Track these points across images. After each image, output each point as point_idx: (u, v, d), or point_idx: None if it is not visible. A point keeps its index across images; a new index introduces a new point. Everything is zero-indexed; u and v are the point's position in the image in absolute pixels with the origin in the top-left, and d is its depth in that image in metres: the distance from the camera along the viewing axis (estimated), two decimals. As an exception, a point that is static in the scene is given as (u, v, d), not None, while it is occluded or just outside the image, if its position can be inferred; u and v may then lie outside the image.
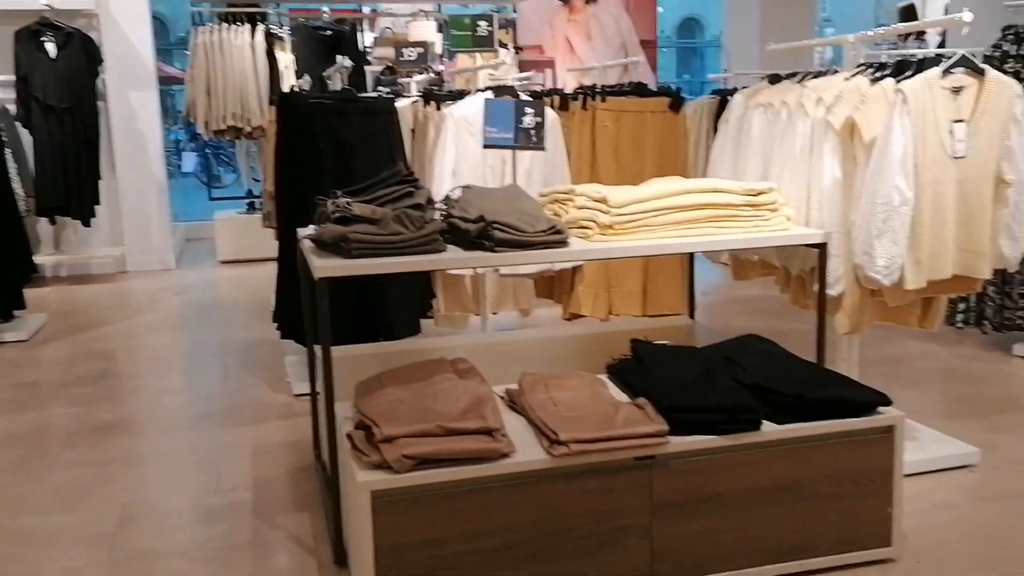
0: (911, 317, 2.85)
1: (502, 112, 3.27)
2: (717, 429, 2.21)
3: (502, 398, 2.48)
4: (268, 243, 4.80)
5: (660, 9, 10.64)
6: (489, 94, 3.72)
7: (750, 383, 2.37)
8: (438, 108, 3.96)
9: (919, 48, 6.58)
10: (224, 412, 3.84)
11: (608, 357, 2.76)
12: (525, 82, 5.38)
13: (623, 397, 2.46)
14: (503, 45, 6.94)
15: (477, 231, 2.39)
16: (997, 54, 4.07)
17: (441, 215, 2.53)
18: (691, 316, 3.45)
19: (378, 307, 3.77)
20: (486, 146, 3.34)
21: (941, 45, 8.74)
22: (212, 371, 4.59)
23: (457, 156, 3.69)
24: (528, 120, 3.27)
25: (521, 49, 8.63)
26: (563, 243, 2.43)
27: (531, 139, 3.28)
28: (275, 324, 3.99)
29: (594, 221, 2.50)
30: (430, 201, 2.55)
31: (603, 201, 2.51)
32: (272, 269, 4.09)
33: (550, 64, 9.08)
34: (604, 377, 2.64)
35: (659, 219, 2.53)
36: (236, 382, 4.26)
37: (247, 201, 8.05)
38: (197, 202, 10.82)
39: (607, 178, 3.99)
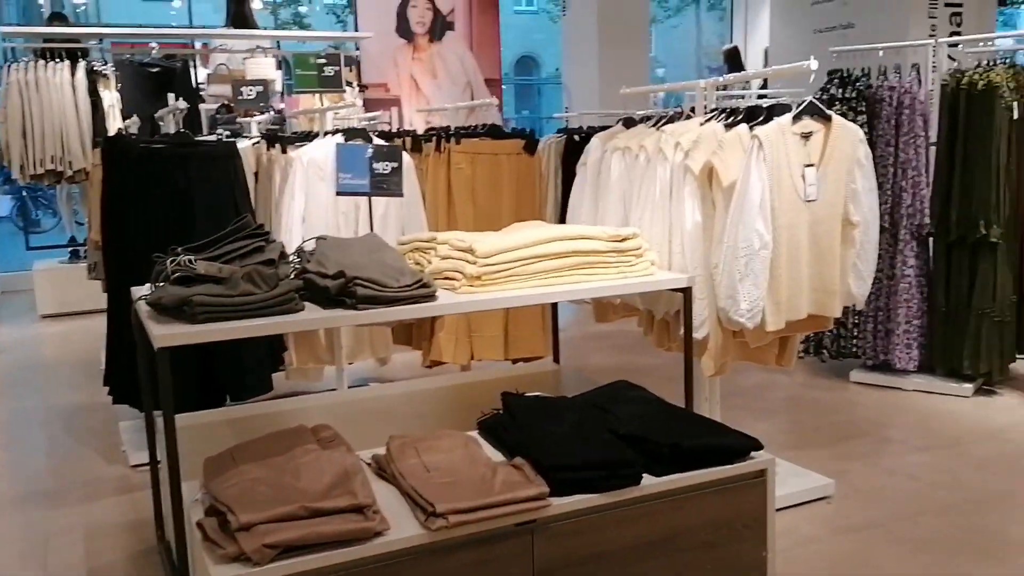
0: (769, 356, 2.91)
1: (355, 157, 3.12)
2: (598, 486, 2.13)
3: (369, 465, 2.31)
4: (95, 294, 4.38)
5: (500, 48, 10.80)
6: (340, 137, 3.55)
7: (625, 433, 2.32)
8: (284, 151, 3.75)
9: (743, 92, 6.94)
10: (51, 490, 3.42)
11: (475, 409, 2.64)
12: (372, 122, 5.24)
13: (498, 456, 2.35)
14: (349, 84, 6.77)
15: (337, 288, 2.22)
16: (825, 97, 4.32)
17: (295, 270, 2.35)
18: (556, 360, 3.40)
19: (225, 364, 3.49)
20: (340, 193, 3.17)
21: (763, 86, 9.32)
22: (36, 442, 4.11)
23: (307, 203, 3.49)
24: (383, 165, 3.13)
25: (366, 87, 8.47)
26: (431, 297, 2.31)
27: (387, 185, 3.14)
28: (106, 387, 3.62)
29: (461, 272, 2.40)
30: (283, 256, 2.36)
31: (469, 251, 2.41)
32: (101, 322, 3.72)
33: (396, 102, 8.97)
34: (476, 434, 2.52)
35: (527, 268, 2.46)
36: (64, 454, 3.83)
37: (70, 249, 7.40)
38: (13, 250, 9.88)
39: (464, 222, 3.91)
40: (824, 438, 3.75)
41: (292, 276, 2.28)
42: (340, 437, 2.30)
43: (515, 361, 4.10)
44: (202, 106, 6.85)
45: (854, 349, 4.53)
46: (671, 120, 3.03)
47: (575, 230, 2.57)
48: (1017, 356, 4.34)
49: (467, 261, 2.40)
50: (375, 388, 3.92)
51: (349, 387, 3.94)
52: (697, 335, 2.69)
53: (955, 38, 5.07)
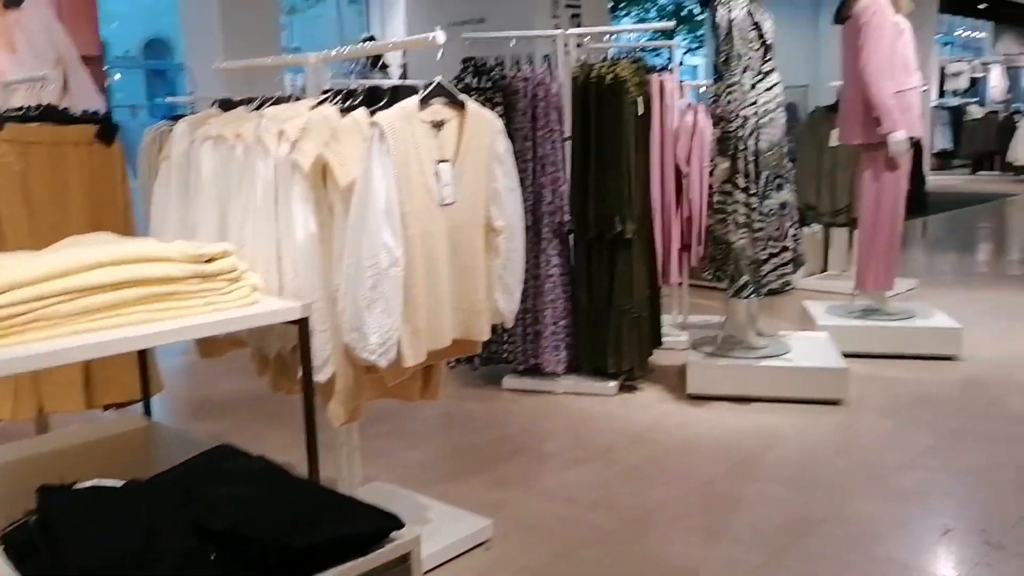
0: (412, 390, 2.43)
1: None
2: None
3: None
4: None
5: (115, 24, 9.30)
6: None
7: (220, 531, 1.67)
8: None
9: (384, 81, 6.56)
10: None
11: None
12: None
13: (22, 593, 1.58)
14: None
15: None
16: (460, 87, 3.98)
17: None
18: (147, 411, 2.63)
19: None
20: None
21: (403, 78, 9.03)
22: None
23: None
24: None
25: (-90, 59, 6.68)
26: None
27: None
28: None
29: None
30: None
31: (-40, 289, 1.60)
32: None
33: (-42, 79, 7.22)
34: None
35: (63, 307, 1.70)
36: None
37: None
38: None
39: (15, 235, 2.93)
40: (481, 461, 3.40)
41: None
42: None
43: (107, 407, 3.21)
44: None
45: (505, 355, 4.28)
46: (278, 102, 2.41)
47: (136, 249, 1.84)
48: (653, 350, 4.39)
49: (-43, 304, 1.58)
50: None
51: None
52: (320, 377, 2.11)
53: (583, 29, 5.03)
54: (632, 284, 4.11)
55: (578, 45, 4.41)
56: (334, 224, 2.10)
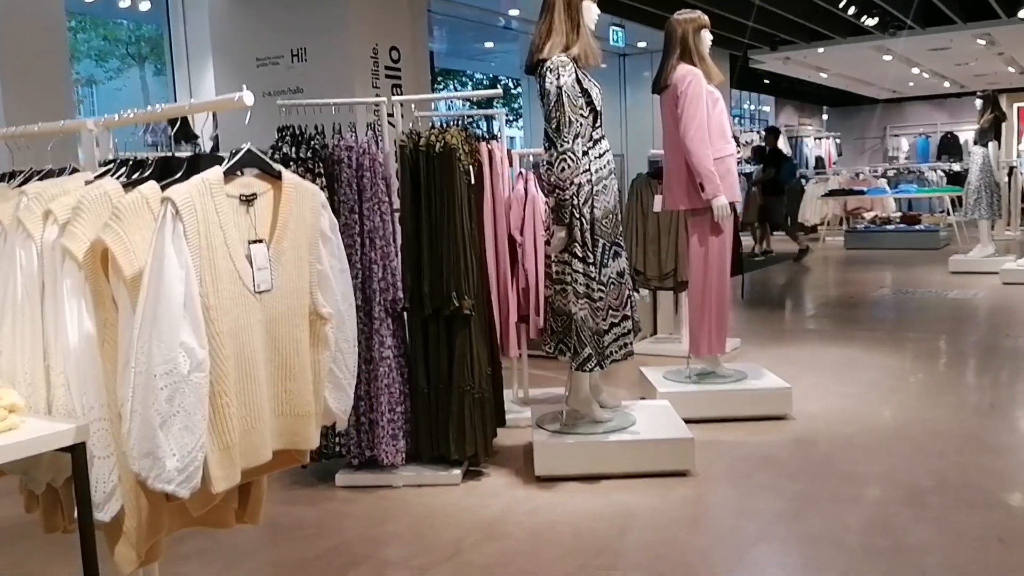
0: (227, 514, 2.02)
1: None
2: None
3: None
4: None
5: None
6: None
7: None
8: None
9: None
10: None
11: None
12: None
13: None
14: None
15: None
16: (278, 157, 3.64)
17: None
18: None
19: None
20: None
21: (215, 151, 8.49)
22: None
23: None
24: None
25: None
26: None
27: None
28: None
29: None
30: None
31: None
32: None
33: None
34: None
35: None
36: None
37: None
38: None
39: None
40: (312, 581, 2.97)
41: None
42: None
43: None
44: None
45: (338, 448, 3.88)
46: (48, 176, 1.99)
47: None
48: (497, 430, 4.13)
49: None
50: None
51: None
52: (103, 515, 1.68)
53: (409, 96, 4.84)
54: (473, 362, 3.86)
55: (402, 116, 4.20)
56: (119, 323, 1.70)
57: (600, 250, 3.80)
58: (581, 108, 3.75)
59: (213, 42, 8.29)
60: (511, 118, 17.37)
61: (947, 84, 21.23)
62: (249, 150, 1.86)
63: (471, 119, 4.96)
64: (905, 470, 3.76)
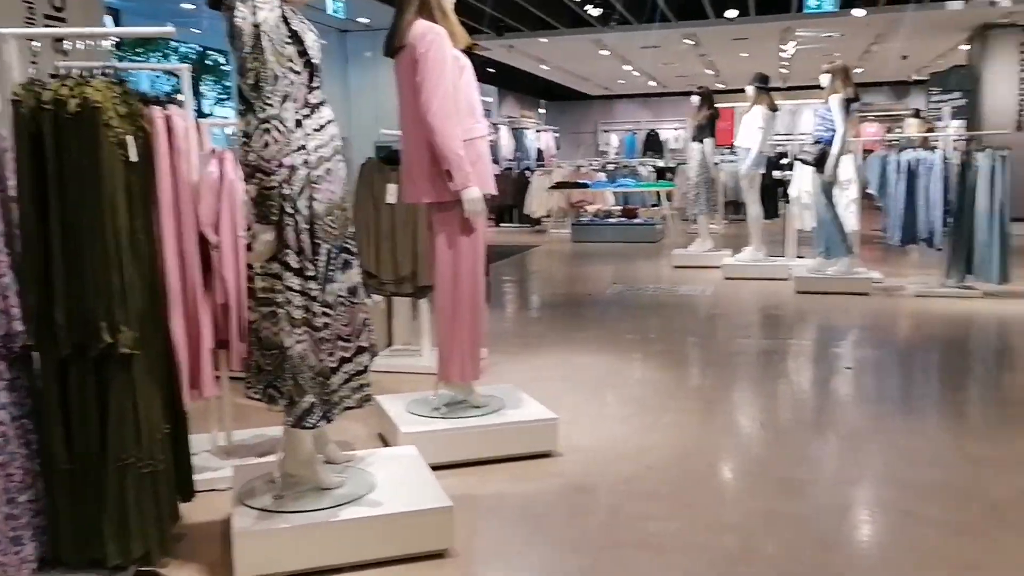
0: None
1: None
2: None
3: None
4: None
5: None
6: None
7: None
8: None
9: None
10: None
11: None
12: None
13: None
14: None
15: None
16: None
17: None
18: None
19: None
20: None
21: None
22: None
23: None
24: None
25: None
26: None
27: None
28: None
29: None
30: None
31: None
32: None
33: None
34: None
35: None
36: None
37: None
38: None
39: None
40: None
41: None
42: None
43: None
44: None
45: None
46: None
47: None
48: (180, 507, 2.96)
49: None
50: None
51: None
52: None
53: (35, 30, 3.42)
54: (139, 421, 2.66)
55: (34, 62, 2.86)
56: None
57: (324, 259, 2.77)
58: (291, 58, 2.68)
59: None
60: (223, 96, 15.38)
61: (652, 83, 22.46)
62: None
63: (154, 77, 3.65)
64: (704, 526, 3.10)
